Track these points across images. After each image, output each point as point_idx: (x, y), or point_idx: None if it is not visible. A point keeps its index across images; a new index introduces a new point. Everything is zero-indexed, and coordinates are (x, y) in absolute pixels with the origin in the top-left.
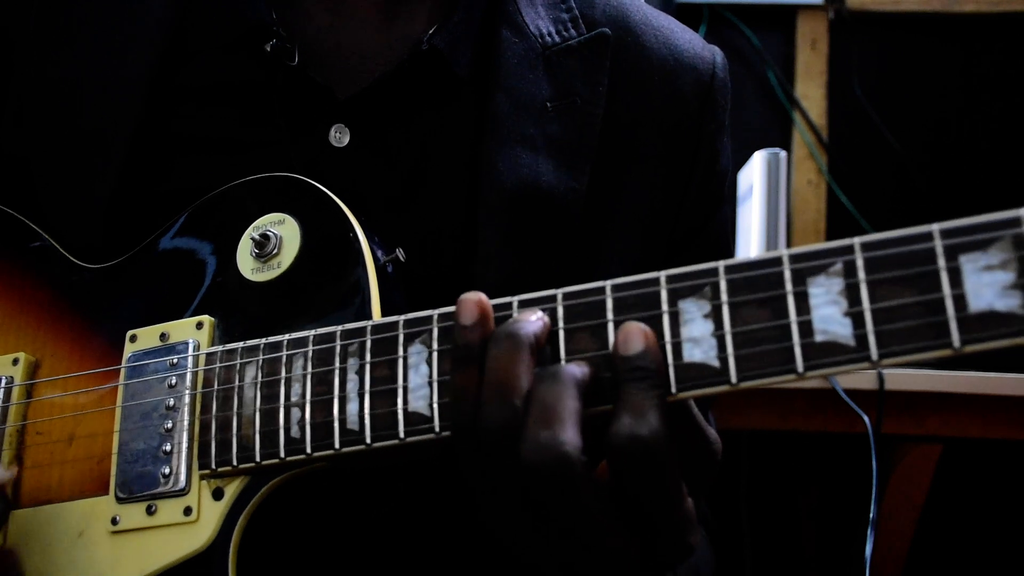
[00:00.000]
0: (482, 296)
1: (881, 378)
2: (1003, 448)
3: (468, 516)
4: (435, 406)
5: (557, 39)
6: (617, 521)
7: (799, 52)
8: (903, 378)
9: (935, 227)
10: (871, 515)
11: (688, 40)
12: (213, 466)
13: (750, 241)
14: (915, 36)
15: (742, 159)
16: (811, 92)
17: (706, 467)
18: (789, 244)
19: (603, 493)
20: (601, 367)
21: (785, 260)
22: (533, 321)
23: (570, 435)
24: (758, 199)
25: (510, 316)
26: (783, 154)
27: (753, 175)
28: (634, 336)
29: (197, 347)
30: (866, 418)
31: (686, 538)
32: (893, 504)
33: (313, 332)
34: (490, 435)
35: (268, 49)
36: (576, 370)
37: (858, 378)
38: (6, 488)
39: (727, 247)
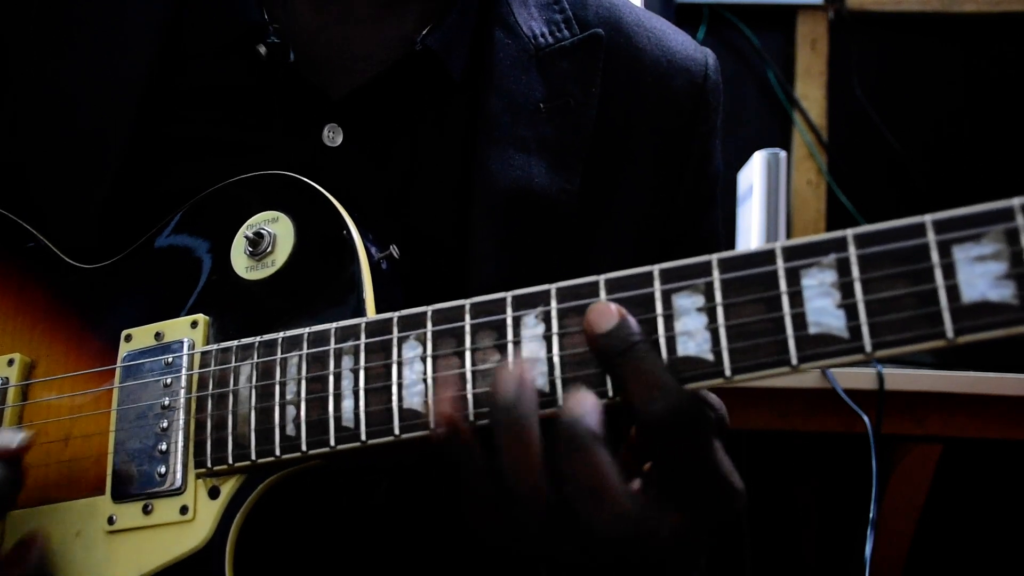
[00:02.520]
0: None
1: (881, 378)
2: (1003, 448)
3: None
4: (430, 403)
5: (550, 40)
6: (668, 506)
7: (799, 52)
8: (903, 378)
9: (927, 218)
10: (871, 515)
11: (681, 42)
12: (209, 464)
13: (750, 241)
14: (915, 36)
15: (742, 159)
16: (811, 92)
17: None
18: None
19: (650, 499)
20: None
21: (778, 253)
22: (530, 401)
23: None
24: (758, 199)
25: (504, 319)
26: (783, 154)
27: (753, 175)
28: (603, 313)
29: (192, 346)
30: (866, 418)
31: (733, 489)
32: (893, 504)
33: (307, 330)
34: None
35: (262, 50)
36: (593, 421)
37: (858, 378)
38: (14, 454)
39: (717, 249)
